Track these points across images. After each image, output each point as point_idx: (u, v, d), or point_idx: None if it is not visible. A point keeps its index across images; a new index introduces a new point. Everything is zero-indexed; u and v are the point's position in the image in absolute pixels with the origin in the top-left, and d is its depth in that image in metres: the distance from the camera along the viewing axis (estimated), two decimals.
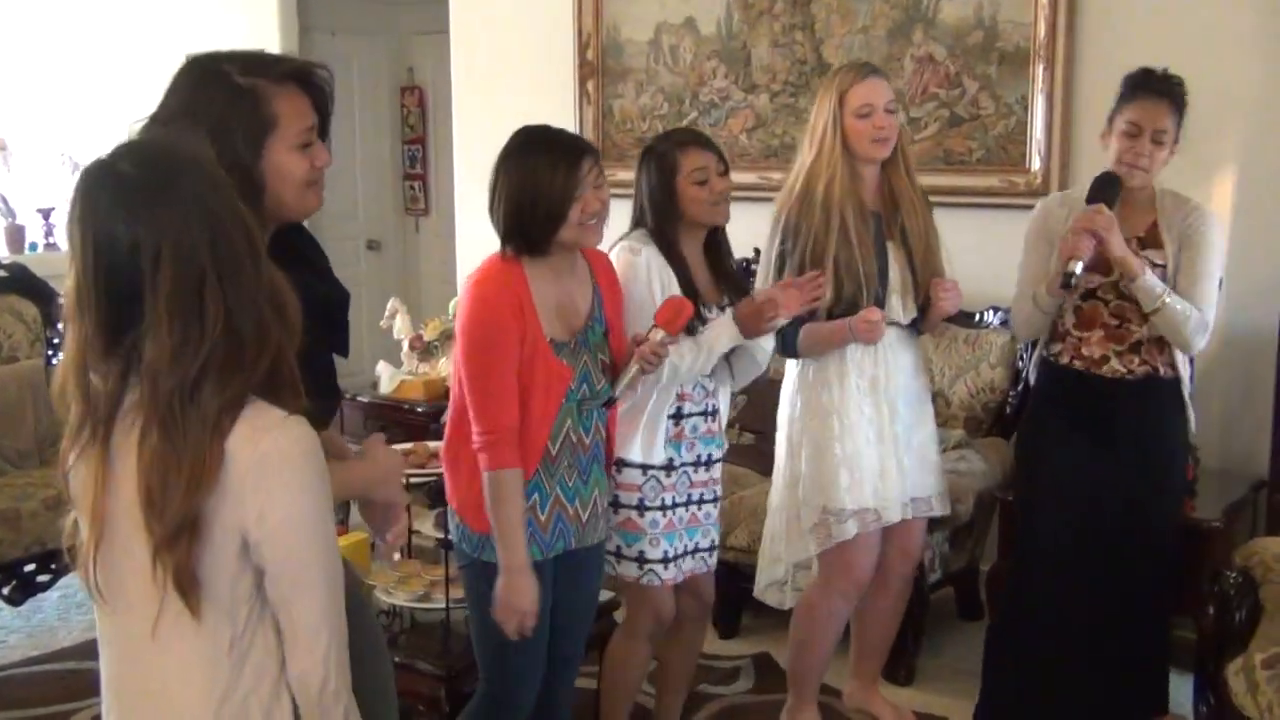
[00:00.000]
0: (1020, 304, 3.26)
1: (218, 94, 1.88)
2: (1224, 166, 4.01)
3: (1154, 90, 3.09)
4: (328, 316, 2.09)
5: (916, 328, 3.32)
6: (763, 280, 3.25)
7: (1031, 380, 3.45)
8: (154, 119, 1.91)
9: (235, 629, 1.56)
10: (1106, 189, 3.07)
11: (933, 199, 4.33)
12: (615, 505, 2.96)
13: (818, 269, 3.09)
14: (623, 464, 2.95)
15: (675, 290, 2.90)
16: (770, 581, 3.43)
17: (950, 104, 4.47)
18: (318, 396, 1.99)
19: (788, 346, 3.21)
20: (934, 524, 3.69)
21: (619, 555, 3.00)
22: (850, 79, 3.14)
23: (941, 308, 3.21)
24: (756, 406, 4.30)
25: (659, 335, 2.65)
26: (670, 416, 2.99)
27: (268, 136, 1.89)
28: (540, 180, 2.51)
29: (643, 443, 2.96)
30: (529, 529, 2.60)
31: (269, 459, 1.51)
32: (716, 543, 3.17)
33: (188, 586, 1.50)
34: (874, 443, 3.22)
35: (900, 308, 3.24)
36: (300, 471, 1.53)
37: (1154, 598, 3.30)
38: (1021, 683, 3.30)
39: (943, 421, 4.28)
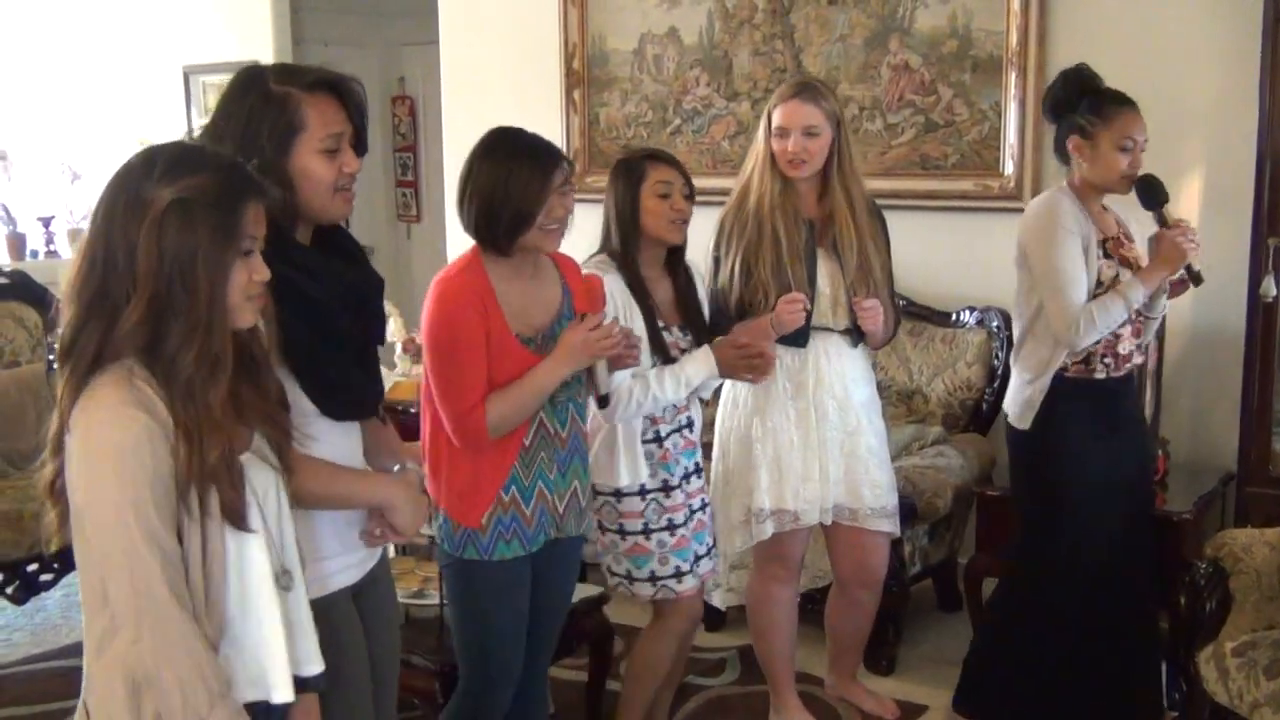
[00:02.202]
0: (1101, 308, 3.10)
1: (251, 99, 1.99)
2: (1190, 171, 4.09)
3: (1130, 103, 3.16)
4: (363, 304, 2.17)
5: (856, 338, 3.28)
6: (709, 282, 3.26)
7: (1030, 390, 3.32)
8: (206, 125, 2.05)
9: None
10: (1160, 190, 3.15)
11: (908, 203, 4.48)
12: (622, 533, 3.02)
13: (749, 276, 3.13)
14: (620, 494, 3.00)
15: (637, 316, 2.95)
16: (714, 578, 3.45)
17: (926, 110, 4.54)
18: (354, 380, 2.11)
19: None
20: (912, 519, 3.78)
21: (630, 579, 3.05)
22: (777, 98, 3.18)
23: (862, 325, 3.20)
24: None
25: (594, 322, 2.63)
26: (649, 441, 3.02)
27: (294, 139, 1.98)
28: (513, 181, 2.52)
29: (626, 467, 2.98)
30: (513, 525, 2.61)
31: (81, 436, 1.62)
32: (712, 544, 3.21)
33: (56, 520, 1.71)
34: (798, 446, 3.22)
35: (831, 313, 3.23)
36: (102, 454, 1.60)
37: (1145, 591, 3.35)
38: (1015, 681, 3.32)
39: (921, 418, 4.39)
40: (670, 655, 3.22)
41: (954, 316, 4.45)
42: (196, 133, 2.06)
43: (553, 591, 2.80)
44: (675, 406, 3.06)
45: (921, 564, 4.06)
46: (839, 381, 3.25)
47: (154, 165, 1.66)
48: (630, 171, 3.01)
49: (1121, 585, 3.26)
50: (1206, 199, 4.08)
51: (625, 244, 3.00)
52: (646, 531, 3.02)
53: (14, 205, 6.52)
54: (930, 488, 3.87)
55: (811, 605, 3.75)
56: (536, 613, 2.76)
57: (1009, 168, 4.37)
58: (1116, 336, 3.19)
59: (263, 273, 1.71)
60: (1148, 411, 3.81)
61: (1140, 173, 3.17)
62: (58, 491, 1.69)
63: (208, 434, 1.64)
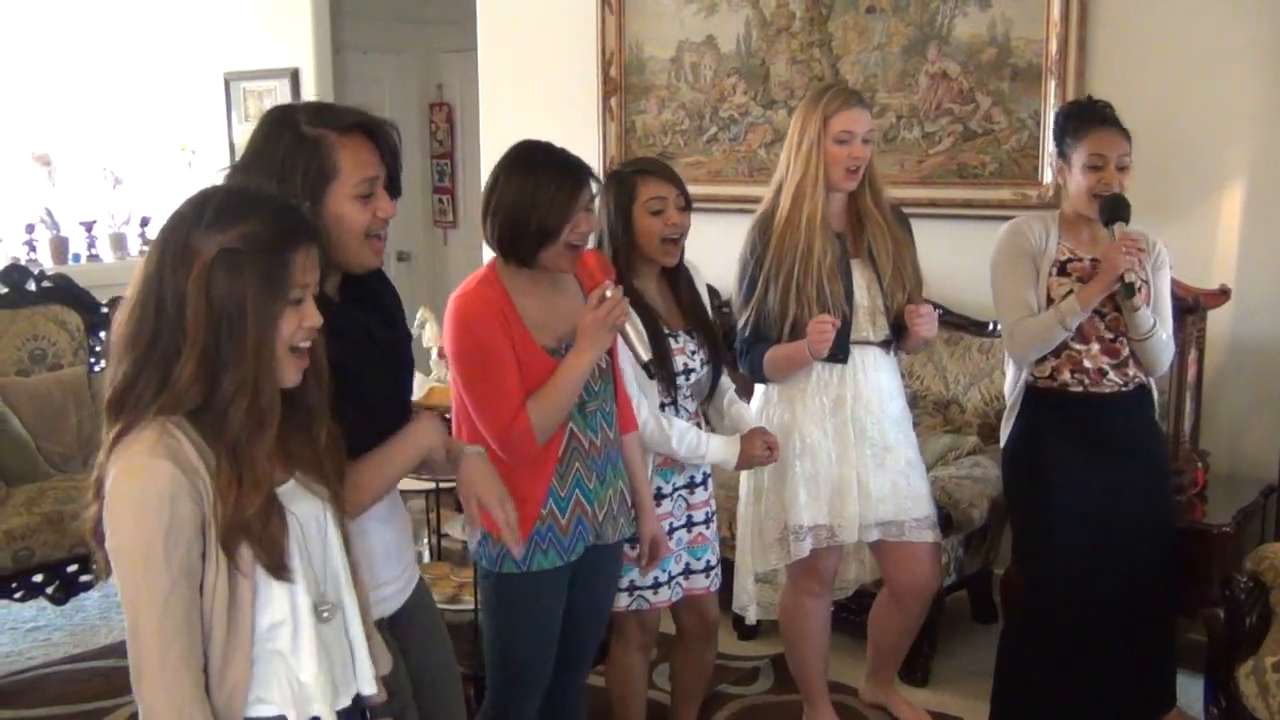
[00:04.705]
0: (1032, 326, 3.16)
1: (284, 141, 1.94)
2: (1231, 180, 4.05)
3: (1105, 121, 3.13)
4: (390, 358, 2.14)
5: (893, 347, 3.27)
6: (737, 293, 3.23)
7: (1009, 404, 3.38)
8: (236, 165, 2.00)
9: None
10: (1122, 208, 3.09)
11: (946, 211, 4.46)
12: None
13: (799, 296, 3.07)
14: None
15: (638, 323, 2.81)
16: (745, 594, 3.40)
17: (964, 119, 4.51)
18: (379, 427, 2.03)
19: (754, 372, 3.21)
20: (948, 529, 3.74)
21: None
22: (837, 104, 3.11)
23: (918, 334, 3.17)
24: None
25: (610, 291, 2.53)
26: None
27: (328, 184, 1.94)
28: (541, 196, 2.47)
29: None
30: (549, 535, 2.57)
31: (110, 483, 1.60)
32: (717, 559, 3.16)
33: (102, 561, 1.67)
34: (835, 462, 3.19)
35: (870, 326, 3.20)
36: (124, 501, 1.58)
37: (1162, 598, 3.33)
38: (1034, 687, 3.32)
39: (957, 428, 4.36)
40: (640, 668, 3.18)
41: (991, 326, 4.41)
42: (225, 173, 2.00)
43: (591, 600, 2.76)
44: (687, 411, 3.05)
45: (957, 575, 4.05)
46: (875, 396, 3.22)
47: (204, 212, 1.62)
48: (621, 187, 2.95)
49: (1122, 596, 3.24)
50: (1247, 209, 4.04)
51: (619, 259, 2.93)
52: (631, 541, 2.93)
53: (57, 209, 6.59)
54: (966, 498, 3.84)
55: (844, 614, 3.73)
56: (575, 623, 2.72)
57: (1048, 176, 4.32)
58: (1079, 351, 3.18)
59: (314, 319, 1.66)
60: (1186, 423, 3.77)
61: (1093, 200, 3.12)
62: (100, 535, 1.66)
63: (247, 489, 1.60)
